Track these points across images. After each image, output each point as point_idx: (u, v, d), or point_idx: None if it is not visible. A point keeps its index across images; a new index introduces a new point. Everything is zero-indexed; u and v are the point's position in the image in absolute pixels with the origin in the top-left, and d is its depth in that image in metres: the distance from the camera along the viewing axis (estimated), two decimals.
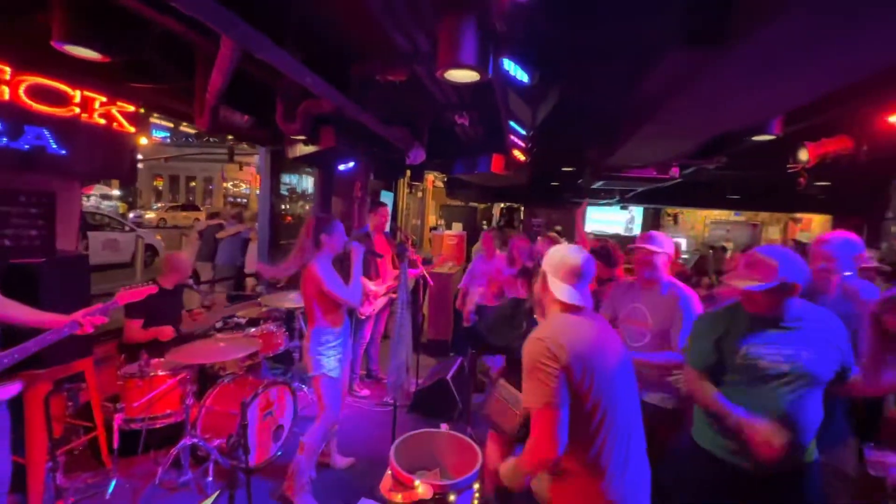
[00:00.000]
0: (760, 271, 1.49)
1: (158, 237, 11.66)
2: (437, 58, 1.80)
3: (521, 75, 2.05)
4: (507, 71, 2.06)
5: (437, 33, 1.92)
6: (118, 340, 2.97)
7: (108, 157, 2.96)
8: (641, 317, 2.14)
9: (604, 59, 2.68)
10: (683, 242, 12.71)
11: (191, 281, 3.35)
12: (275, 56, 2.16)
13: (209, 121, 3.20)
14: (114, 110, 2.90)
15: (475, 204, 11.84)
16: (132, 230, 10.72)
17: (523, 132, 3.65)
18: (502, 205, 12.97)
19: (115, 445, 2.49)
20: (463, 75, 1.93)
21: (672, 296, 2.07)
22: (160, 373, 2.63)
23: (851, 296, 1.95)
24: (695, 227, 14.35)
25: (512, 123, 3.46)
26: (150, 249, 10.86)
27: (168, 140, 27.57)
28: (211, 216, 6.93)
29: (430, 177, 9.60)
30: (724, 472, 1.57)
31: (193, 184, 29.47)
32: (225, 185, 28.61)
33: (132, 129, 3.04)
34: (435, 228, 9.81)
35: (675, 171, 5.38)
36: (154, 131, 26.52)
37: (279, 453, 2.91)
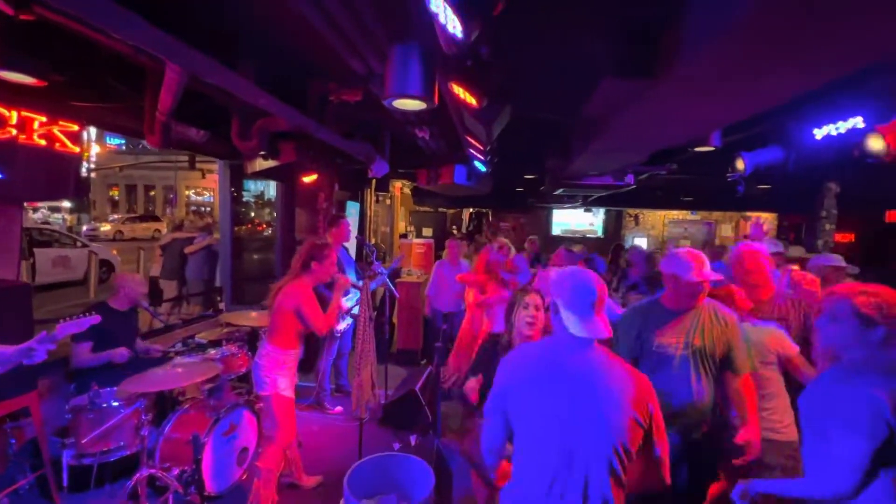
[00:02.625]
0: None
1: (115, 252, 11.10)
2: (384, 88, 1.86)
3: (470, 99, 2.13)
4: (458, 94, 2.14)
5: (387, 59, 1.97)
6: (66, 368, 2.84)
7: (50, 178, 2.84)
8: None
9: (548, 84, 2.81)
10: (644, 241, 13.25)
11: (145, 303, 3.24)
12: (225, 80, 2.15)
13: (161, 138, 3.11)
14: (55, 130, 2.79)
15: (444, 210, 11.93)
16: (85, 245, 10.18)
17: (481, 146, 3.75)
18: (471, 210, 13.12)
19: (65, 482, 2.38)
20: (410, 104, 1.99)
21: None
22: (113, 403, 2.54)
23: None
24: (655, 226, 14.97)
25: (470, 139, 3.55)
26: (106, 265, 10.35)
27: (123, 147, 26.30)
28: (176, 228, 6.66)
29: (398, 184, 9.59)
30: None
31: (153, 193, 28.20)
32: (187, 192, 27.56)
33: (76, 149, 2.92)
34: (404, 236, 9.81)
35: (629, 178, 5.65)
36: (108, 139, 25.25)
37: (244, 477, 2.86)
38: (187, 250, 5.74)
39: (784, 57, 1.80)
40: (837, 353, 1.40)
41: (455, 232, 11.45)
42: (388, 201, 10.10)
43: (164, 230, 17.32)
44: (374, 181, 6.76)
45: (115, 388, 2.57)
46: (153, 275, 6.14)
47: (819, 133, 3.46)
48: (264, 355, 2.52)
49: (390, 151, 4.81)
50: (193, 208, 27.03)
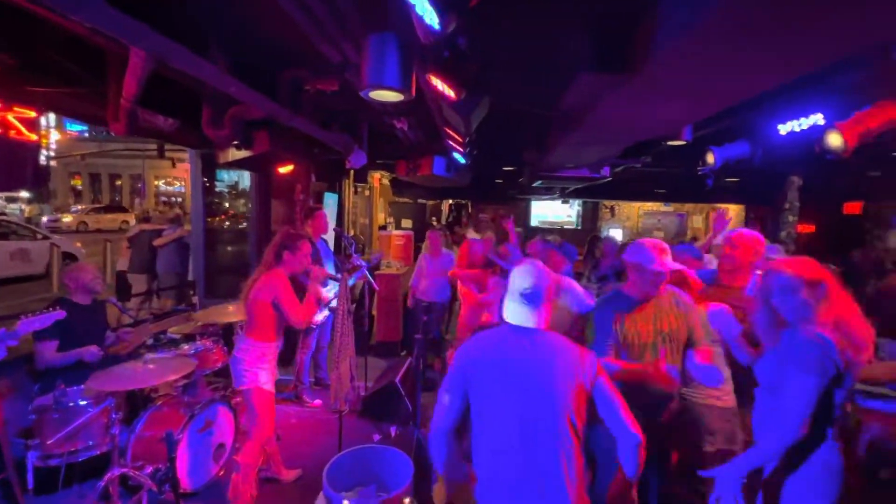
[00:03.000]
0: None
1: (78, 244, 10.62)
2: (361, 79, 1.82)
3: (448, 91, 2.12)
4: (436, 86, 2.12)
5: (363, 49, 1.93)
6: (29, 367, 2.71)
7: (5, 167, 2.70)
8: None
9: (525, 76, 2.83)
10: (620, 233, 13.56)
11: (114, 298, 3.12)
12: (193, 66, 2.07)
13: (126, 125, 2.97)
14: (10, 117, 2.64)
15: (423, 201, 11.86)
16: (45, 238, 9.70)
17: (460, 138, 3.74)
18: (450, 201, 13.10)
19: (30, 485, 2.29)
20: (388, 95, 1.97)
21: None
22: (80, 402, 2.44)
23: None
24: (630, 217, 15.34)
25: (448, 131, 3.54)
26: (69, 258, 9.89)
27: (86, 135, 24.93)
28: (143, 219, 6.39)
29: (377, 175, 9.47)
30: None
31: (119, 182, 26.94)
32: (156, 182, 26.46)
33: (33, 137, 2.77)
34: (384, 227, 9.73)
35: (605, 171, 5.77)
36: (68, 125, 23.86)
37: (221, 473, 2.82)
38: (156, 243, 5.53)
39: (756, 52, 1.85)
40: (789, 320, 1.53)
41: (435, 223, 11.42)
42: (366, 192, 9.96)
43: (133, 221, 16.65)
44: (352, 172, 6.66)
45: (82, 387, 2.48)
46: (121, 269, 5.91)
47: (783, 129, 3.61)
48: (244, 350, 2.48)
49: (368, 142, 4.74)
50: (164, 199, 26.01)
